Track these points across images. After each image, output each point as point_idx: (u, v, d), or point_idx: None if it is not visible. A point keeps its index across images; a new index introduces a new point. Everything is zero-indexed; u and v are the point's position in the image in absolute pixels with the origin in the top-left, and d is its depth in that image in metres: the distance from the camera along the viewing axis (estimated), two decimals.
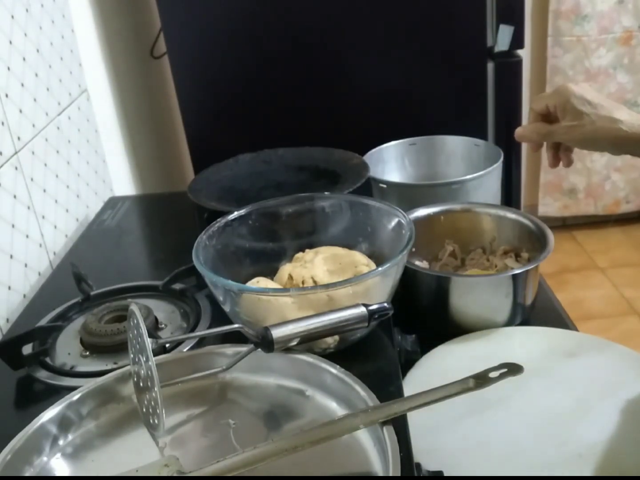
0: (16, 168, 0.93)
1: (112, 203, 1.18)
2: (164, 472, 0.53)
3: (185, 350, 0.70)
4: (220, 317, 0.73)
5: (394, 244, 0.74)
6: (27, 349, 0.73)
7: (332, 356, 0.63)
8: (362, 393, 0.58)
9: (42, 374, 0.70)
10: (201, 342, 0.71)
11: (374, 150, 1.22)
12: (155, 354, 0.57)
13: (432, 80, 1.43)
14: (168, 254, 0.96)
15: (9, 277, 0.88)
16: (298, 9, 1.37)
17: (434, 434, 0.70)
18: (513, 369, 0.61)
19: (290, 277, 0.73)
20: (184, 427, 0.61)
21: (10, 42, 0.95)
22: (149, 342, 0.56)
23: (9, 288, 0.88)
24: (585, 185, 2.47)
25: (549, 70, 2.30)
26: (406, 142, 1.26)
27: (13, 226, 0.91)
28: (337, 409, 0.60)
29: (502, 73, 1.42)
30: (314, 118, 1.45)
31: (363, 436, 0.56)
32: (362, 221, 0.80)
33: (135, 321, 0.58)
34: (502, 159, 1.13)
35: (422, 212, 0.98)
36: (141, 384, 0.60)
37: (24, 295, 0.91)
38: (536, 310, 0.92)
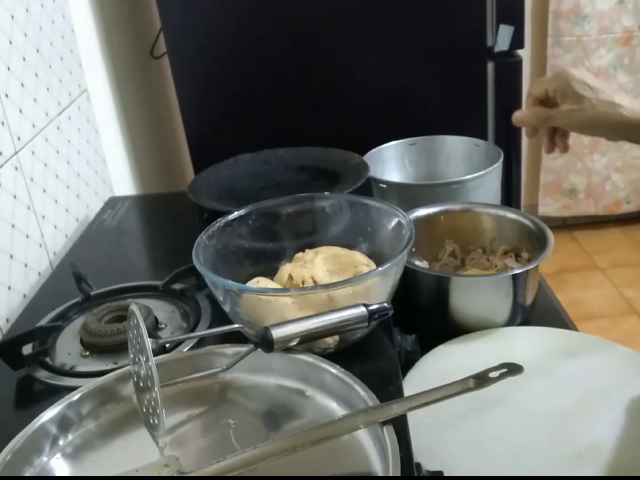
0: (16, 168, 0.93)
1: (112, 203, 1.18)
2: (164, 472, 0.53)
3: (185, 350, 0.70)
4: (220, 317, 0.73)
5: (394, 244, 0.74)
6: (27, 349, 0.73)
7: (332, 356, 0.63)
8: (362, 393, 0.58)
9: (42, 374, 0.70)
10: (201, 342, 0.71)
11: (374, 150, 1.22)
12: (155, 354, 0.57)
13: (432, 80, 1.43)
14: (168, 254, 0.96)
15: (9, 277, 0.89)
16: (298, 9, 1.37)
17: (434, 434, 0.70)
18: (513, 369, 0.61)
19: (290, 277, 0.73)
20: (184, 427, 0.61)
21: (10, 42, 0.95)
22: (149, 342, 0.56)
23: (9, 288, 0.88)
24: (585, 185, 2.47)
25: (549, 70, 2.30)
26: (406, 142, 1.26)
27: (13, 226, 0.91)
28: (337, 409, 0.60)
29: (502, 73, 1.42)
30: (314, 118, 1.45)
31: (363, 436, 0.56)
32: (362, 221, 0.80)
33: (135, 321, 0.58)
34: (502, 159, 1.13)
35: (422, 212, 0.98)
36: (141, 384, 0.60)
37: (24, 295, 0.91)
38: (536, 310, 0.92)
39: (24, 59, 0.99)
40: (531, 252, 0.91)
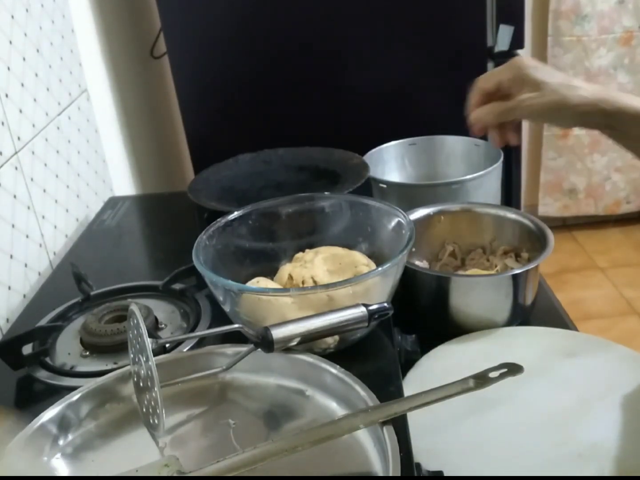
0: (16, 168, 0.93)
1: (112, 203, 1.18)
2: (164, 472, 0.53)
3: (185, 350, 0.70)
4: (220, 317, 0.73)
5: (394, 244, 0.74)
6: (27, 349, 0.73)
7: (332, 356, 0.63)
8: (362, 393, 0.58)
9: (42, 374, 0.70)
10: (201, 342, 0.71)
11: (374, 150, 1.22)
12: (155, 354, 0.57)
13: (432, 80, 1.43)
14: (168, 254, 0.96)
15: (9, 277, 0.88)
16: (298, 9, 1.37)
17: (434, 434, 0.70)
18: (513, 369, 0.62)
19: (290, 277, 0.73)
20: (184, 427, 0.61)
21: (10, 42, 0.95)
22: (149, 342, 0.56)
23: (9, 288, 0.88)
24: (585, 185, 2.47)
25: None
26: (406, 142, 1.26)
27: (13, 226, 0.91)
28: (337, 409, 0.60)
29: None
30: (314, 118, 1.45)
31: (363, 436, 0.56)
32: (362, 221, 0.80)
33: (135, 321, 0.58)
34: (502, 159, 1.13)
35: (422, 212, 0.97)
36: (141, 384, 0.60)
37: (24, 295, 0.91)
38: (536, 310, 0.92)
39: (24, 59, 0.99)
40: (531, 252, 0.91)
